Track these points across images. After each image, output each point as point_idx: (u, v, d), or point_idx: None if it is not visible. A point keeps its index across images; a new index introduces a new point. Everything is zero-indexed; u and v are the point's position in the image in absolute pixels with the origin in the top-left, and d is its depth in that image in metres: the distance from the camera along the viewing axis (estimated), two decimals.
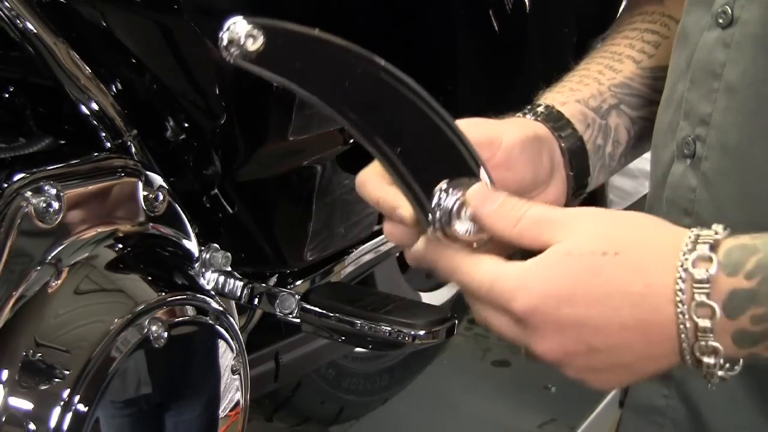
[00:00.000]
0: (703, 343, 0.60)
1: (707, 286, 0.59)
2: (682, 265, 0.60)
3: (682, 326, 0.60)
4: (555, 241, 0.63)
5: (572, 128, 0.82)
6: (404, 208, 0.71)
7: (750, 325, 0.59)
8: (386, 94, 0.69)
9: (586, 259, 0.62)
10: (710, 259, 0.59)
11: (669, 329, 0.60)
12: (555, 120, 0.82)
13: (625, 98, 0.86)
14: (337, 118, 0.68)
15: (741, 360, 0.62)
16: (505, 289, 0.64)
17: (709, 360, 0.60)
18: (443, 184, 0.70)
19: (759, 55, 0.69)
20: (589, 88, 0.86)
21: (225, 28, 0.63)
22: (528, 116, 0.83)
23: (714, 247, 0.60)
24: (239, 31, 0.63)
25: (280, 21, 0.64)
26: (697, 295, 0.59)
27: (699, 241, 0.61)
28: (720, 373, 0.61)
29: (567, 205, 0.84)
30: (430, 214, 0.70)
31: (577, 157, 0.82)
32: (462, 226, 0.70)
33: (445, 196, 0.70)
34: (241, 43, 0.63)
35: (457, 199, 0.70)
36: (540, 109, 0.83)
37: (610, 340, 0.62)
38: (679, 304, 0.59)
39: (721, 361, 0.60)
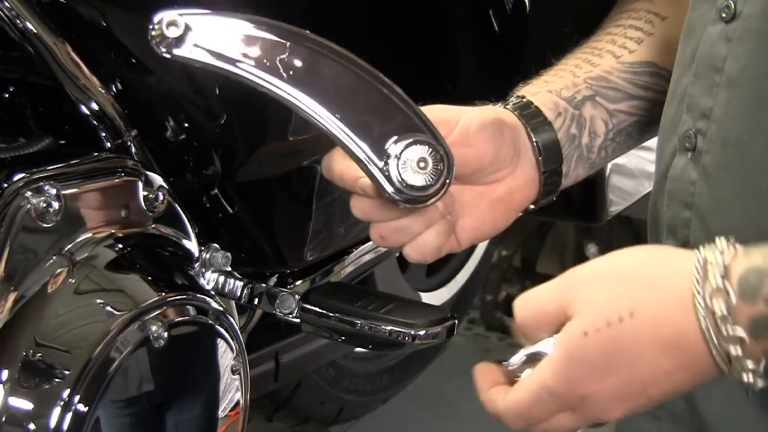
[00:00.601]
0: (738, 367, 0.61)
1: (729, 318, 0.60)
2: (700, 303, 0.60)
3: (717, 358, 0.61)
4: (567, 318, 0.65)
5: (542, 116, 0.83)
6: (366, 177, 0.72)
7: None
8: (316, 63, 0.69)
9: (603, 333, 0.63)
10: (726, 291, 0.60)
11: (707, 362, 0.61)
12: (523, 108, 0.83)
13: (602, 91, 0.86)
14: (274, 96, 0.69)
15: None
16: (549, 394, 0.65)
17: (747, 376, 0.61)
18: (392, 140, 0.70)
19: (759, 50, 0.69)
20: (563, 80, 0.87)
21: (150, 23, 0.66)
22: (499, 105, 0.84)
23: (726, 275, 0.60)
24: (162, 21, 0.65)
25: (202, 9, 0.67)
26: (723, 328, 0.60)
27: (708, 269, 0.61)
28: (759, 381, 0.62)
29: (539, 197, 0.84)
30: (385, 178, 0.70)
31: (545, 143, 0.83)
32: (418, 179, 0.70)
33: (395, 150, 0.70)
34: (165, 32, 0.65)
35: (406, 148, 0.70)
36: (511, 99, 0.85)
37: (662, 387, 0.64)
38: (710, 341, 0.60)
39: (758, 376, 0.61)
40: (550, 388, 0.65)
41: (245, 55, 0.68)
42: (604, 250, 2.70)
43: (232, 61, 0.68)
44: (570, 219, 2.23)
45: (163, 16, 0.67)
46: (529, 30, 1.48)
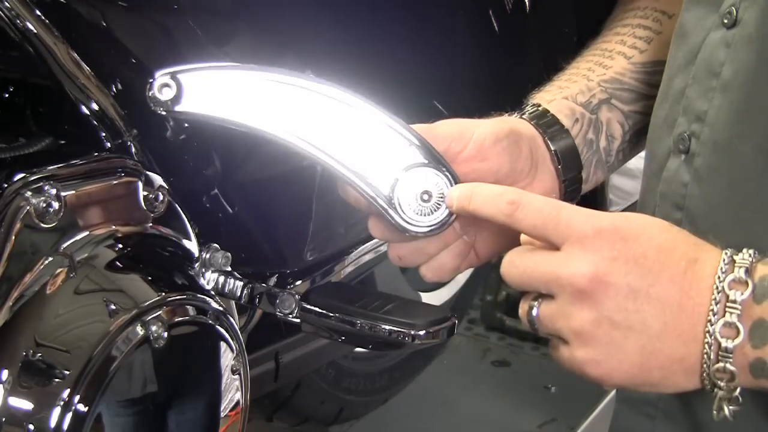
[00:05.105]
0: (721, 365, 0.61)
1: (738, 308, 0.61)
2: (717, 287, 0.61)
3: (707, 336, 0.61)
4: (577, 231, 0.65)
5: (558, 124, 0.83)
6: None
7: None
8: (311, 105, 0.70)
9: (635, 245, 0.64)
10: (745, 283, 0.61)
11: (698, 329, 0.62)
12: (540, 117, 0.83)
13: (616, 93, 0.87)
14: (276, 142, 0.70)
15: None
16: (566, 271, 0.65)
17: (722, 384, 0.62)
18: (396, 173, 0.71)
19: (751, 56, 0.70)
20: (578, 85, 0.87)
21: (146, 87, 0.69)
22: (515, 115, 0.84)
23: (749, 270, 0.61)
24: (155, 83, 0.67)
25: (192, 64, 0.68)
26: (728, 314, 0.61)
27: (735, 259, 0.62)
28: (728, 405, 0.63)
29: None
30: (392, 211, 0.71)
31: (564, 151, 0.83)
32: (422, 210, 0.72)
33: (400, 184, 0.71)
34: (158, 95, 0.67)
35: (409, 180, 0.71)
36: (526, 108, 0.85)
37: (651, 292, 0.63)
38: (710, 315, 0.61)
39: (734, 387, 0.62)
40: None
41: (240, 106, 0.70)
42: None
43: (228, 113, 0.70)
44: None
45: (156, 78, 0.69)
46: (529, 30, 1.48)
